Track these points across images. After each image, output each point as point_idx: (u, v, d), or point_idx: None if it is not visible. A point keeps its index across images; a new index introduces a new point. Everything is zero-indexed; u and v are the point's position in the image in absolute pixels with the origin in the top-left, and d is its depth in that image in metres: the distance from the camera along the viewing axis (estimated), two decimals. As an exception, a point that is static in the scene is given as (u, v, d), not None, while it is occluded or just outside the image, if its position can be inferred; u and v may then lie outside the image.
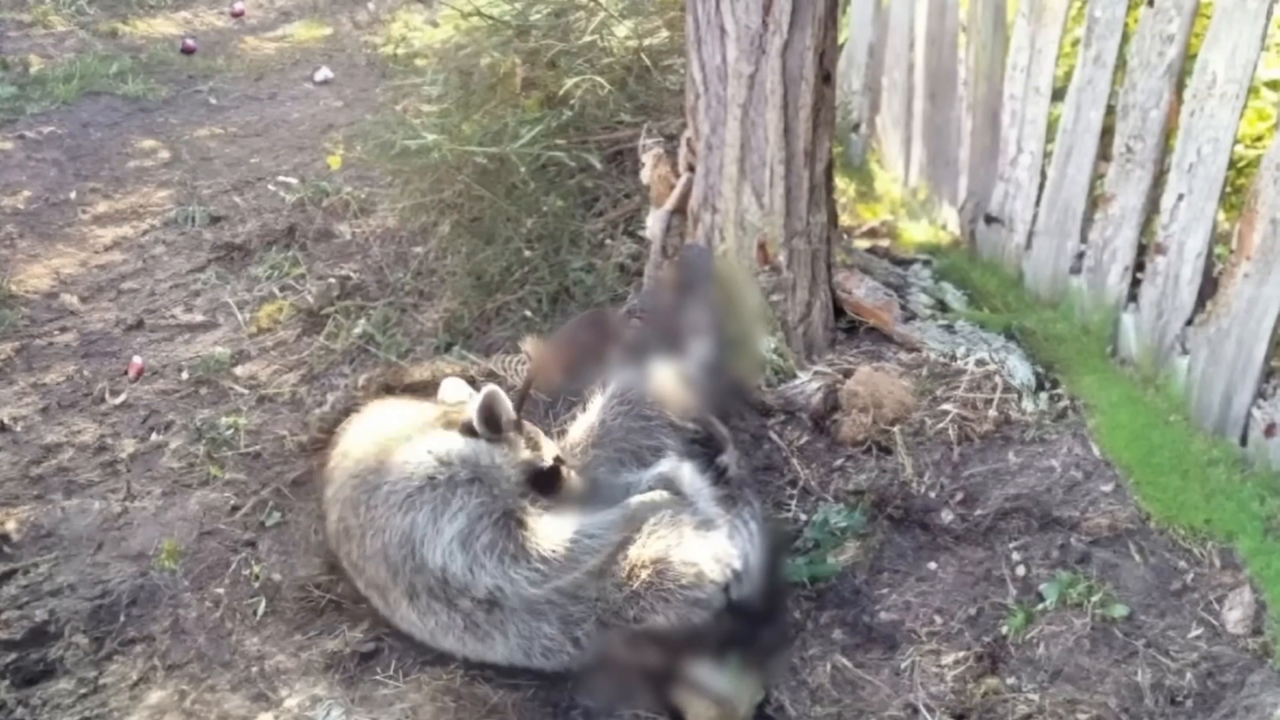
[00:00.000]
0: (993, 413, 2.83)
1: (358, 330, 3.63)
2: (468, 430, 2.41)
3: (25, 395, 3.55)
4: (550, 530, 2.33)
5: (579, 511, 2.40)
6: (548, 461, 2.48)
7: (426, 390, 2.94)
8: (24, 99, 5.66)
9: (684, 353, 2.67)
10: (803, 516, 2.73)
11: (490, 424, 2.39)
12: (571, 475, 2.52)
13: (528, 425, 2.52)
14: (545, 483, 2.45)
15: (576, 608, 2.34)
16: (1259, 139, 3.46)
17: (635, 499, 2.41)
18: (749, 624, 2.31)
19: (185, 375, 3.58)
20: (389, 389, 3.14)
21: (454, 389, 2.67)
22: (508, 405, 2.42)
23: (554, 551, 2.30)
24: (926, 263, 3.53)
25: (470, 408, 2.42)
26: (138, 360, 3.66)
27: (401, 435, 2.45)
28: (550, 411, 3.01)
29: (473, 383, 2.79)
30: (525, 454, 2.45)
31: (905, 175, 4.31)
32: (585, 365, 2.66)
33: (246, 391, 3.45)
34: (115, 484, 3.10)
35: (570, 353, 2.64)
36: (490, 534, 2.29)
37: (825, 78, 3.00)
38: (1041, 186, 3.32)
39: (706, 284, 2.84)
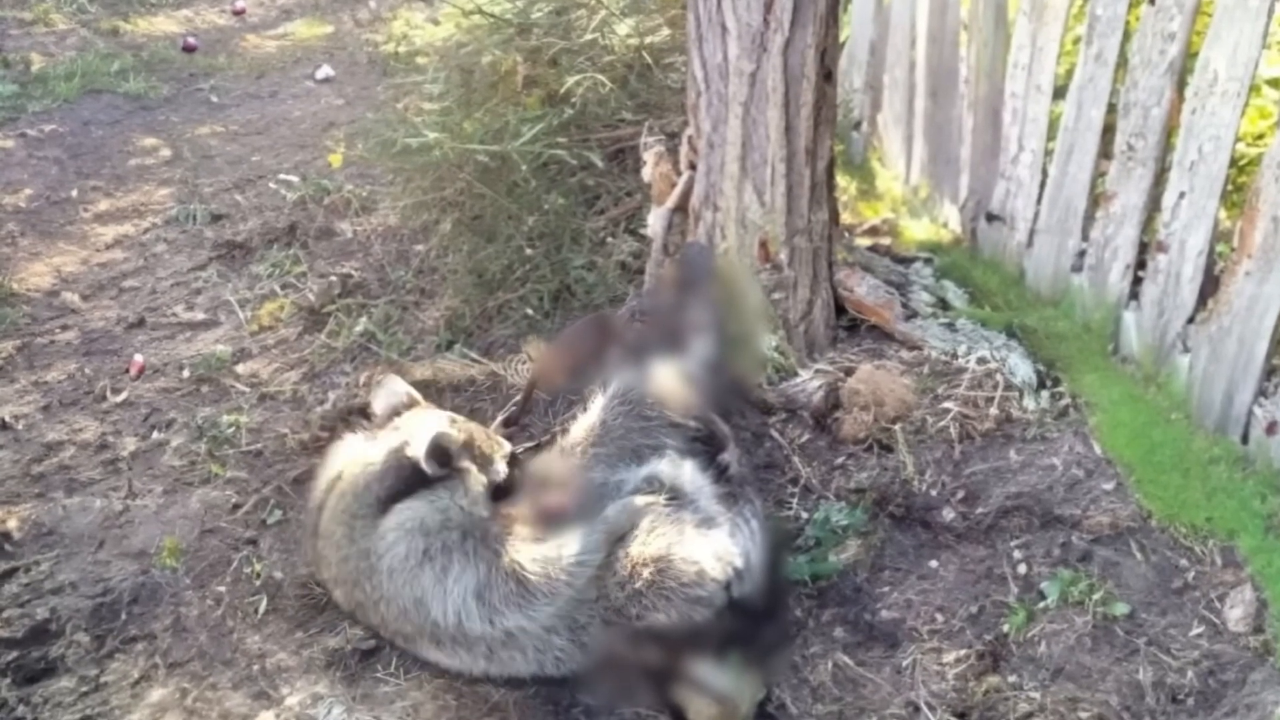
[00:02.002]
0: (994, 411, 2.83)
1: (359, 328, 3.63)
2: (416, 474, 2.32)
3: (27, 393, 3.55)
4: (546, 561, 2.33)
5: (564, 532, 2.38)
6: (502, 471, 2.43)
7: (426, 389, 2.93)
8: (25, 97, 5.66)
9: (685, 351, 2.67)
10: (804, 514, 2.73)
11: (440, 461, 2.32)
12: (520, 465, 2.49)
13: (475, 436, 2.44)
14: (505, 491, 2.43)
15: (582, 614, 2.35)
16: (1260, 137, 3.46)
17: (613, 508, 2.41)
18: (750, 622, 2.30)
19: (186, 373, 3.58)
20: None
21: (391, 389, 2.56)
22: (453, 438, 2.34)
23: (554, 582, 2.31)
24: (928, 261, 3.53)
25: (415, 450, 2.32)
26: (139, 358, 3.66)
27: (360, 514, 2.34)
28: (550, 410, 3.01)
29: (472, 383, 2.77)
30: (480, 479, 2.39)
31: (906, 173, 4.31)
32: (588, 368, 2.66)
33: (248, 389, 3.45)
34: (116, 482, 3.10)
35: (573, 355, 2.65)
36: (503, 585, 2.29)
37: (827, 75, 3.00)
38: (1043, 184, 3.32)
39: (708, 282, 2.85)
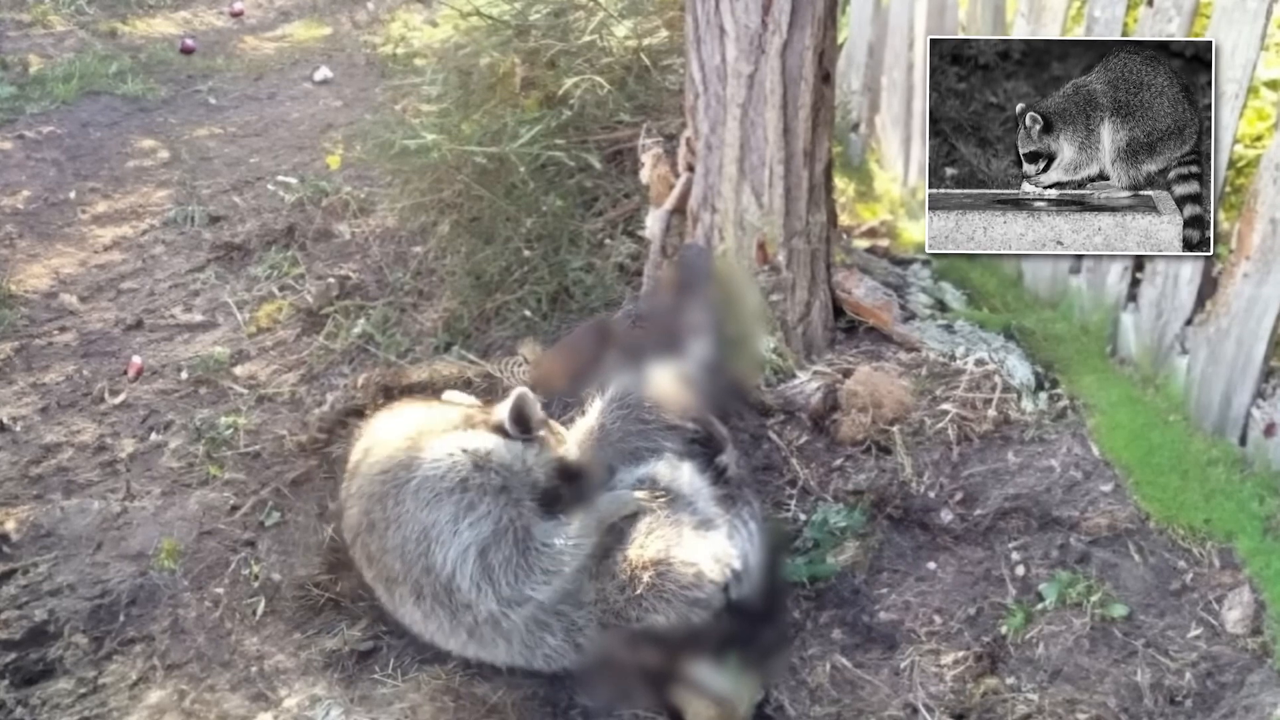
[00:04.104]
0: (992, 412, 2.83)
1: (357, 330, 3.63)
2: (499, 431, 2.42)
3: (25, 395, 3.55)
4: (549, 536, 2.34)
5: (555, 517, 2.40)
6: (574, 455, 2.50)
7: (425, 391, 2.94)
8: (23, 99, 5.65)
9: (683, 352, 2.67)
10: (802, 516, 2.73)
11: (521, 425, 2.41)
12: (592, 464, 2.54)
13: (552, 422, 2.54)
14: (573, 476, 2.47)
15: (579, 614, 2.34)
16: (1258, 139, 3.46)
17: (604, 498, 2.43)
18: (748, 624, 2.31)
19: (184, 375, 3.58)
20: (388, 389, 3.14)
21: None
22: (537, 405, 2.44)
23: (548, 563, 2.32)
24: (926, 262, 3.52)
25: (500, 409, 2.43)
26: (137, 360, 3.66)
27: (434, 431, 2.43)
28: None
29: (469, 385, 2.79)
30: (555, 453, 2.47)
31: (905, 175, 4.30)
32: (586, 372, 2.67)
33: (246, 391, 3.45)
34: (115, 484, 3.10)
35: (572, 360, 2.65)
36: (508, 549, 2.31)
37: (824, 77, 3.00)
38: (1041, 186, 3.32)
39: (706, 284, 2.85)
